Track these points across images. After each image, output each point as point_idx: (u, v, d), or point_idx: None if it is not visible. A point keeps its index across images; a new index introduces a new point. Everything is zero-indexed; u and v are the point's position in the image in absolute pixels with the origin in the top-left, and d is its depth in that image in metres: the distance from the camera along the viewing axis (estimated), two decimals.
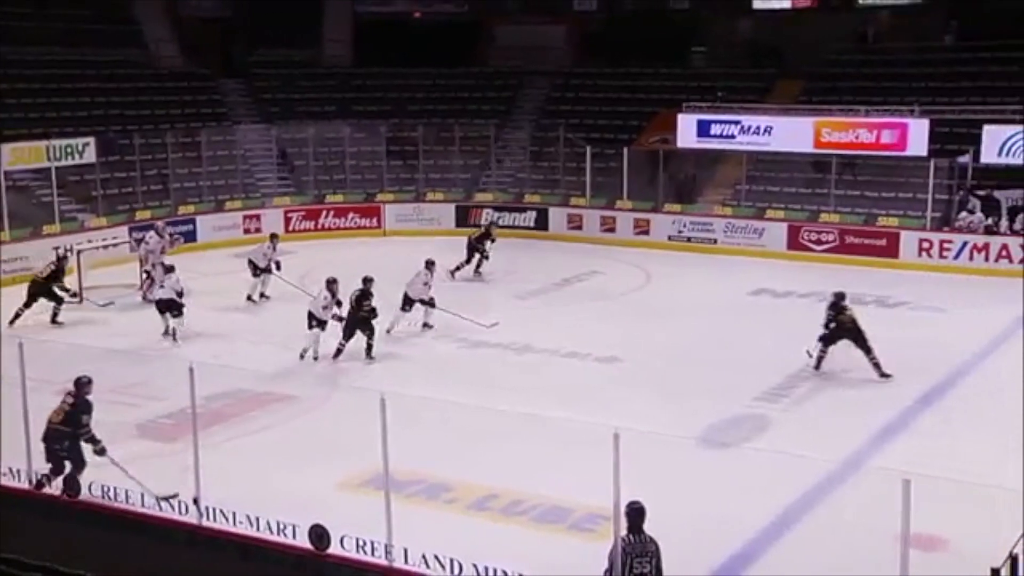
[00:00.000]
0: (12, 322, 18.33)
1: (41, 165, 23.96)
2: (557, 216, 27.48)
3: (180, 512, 9.71)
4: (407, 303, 17.99)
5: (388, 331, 17.54)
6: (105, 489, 10.08)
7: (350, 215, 27.97)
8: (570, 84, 32.00)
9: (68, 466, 10.56)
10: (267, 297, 20.53)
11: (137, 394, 14.46)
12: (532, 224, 27.70)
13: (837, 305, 15.67)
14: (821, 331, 15.50)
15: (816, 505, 10.94)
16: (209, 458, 9.92)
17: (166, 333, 17.74)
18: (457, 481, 11.60)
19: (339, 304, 16.79)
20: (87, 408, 10.77)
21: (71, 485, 10.02)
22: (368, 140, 29.65)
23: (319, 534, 9.04)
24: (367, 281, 16.91)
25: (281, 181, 29.07)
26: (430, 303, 18.10)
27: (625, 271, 23.21)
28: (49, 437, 10.64)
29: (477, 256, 22.46)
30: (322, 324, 16.57)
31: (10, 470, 10.51)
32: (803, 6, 31.82)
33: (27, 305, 18.68)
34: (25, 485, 10.34)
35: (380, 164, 29.28)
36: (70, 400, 10.92)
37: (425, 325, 18.12)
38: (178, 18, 32.91)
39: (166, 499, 10.51)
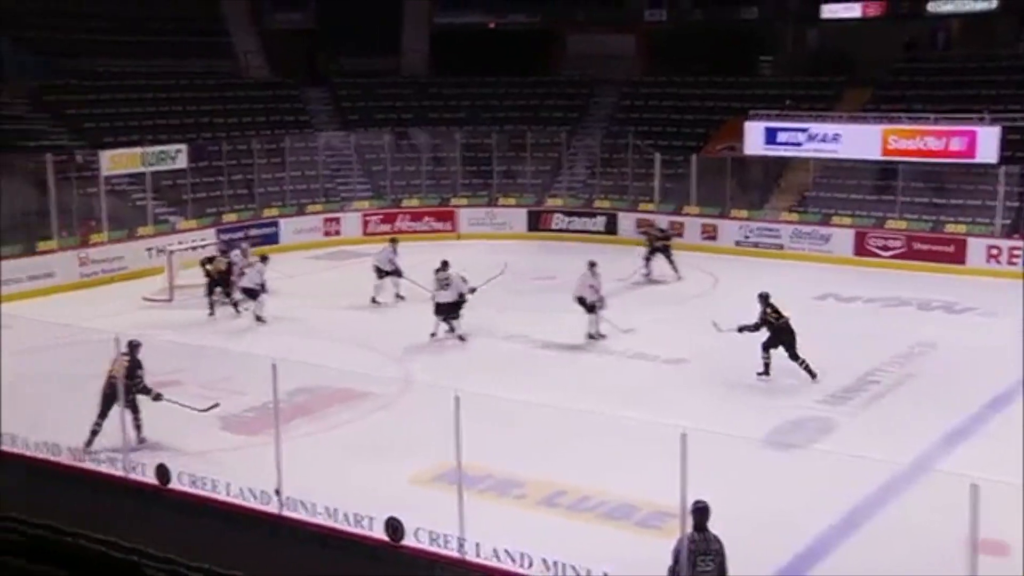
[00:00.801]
0: (212, 312, 19.59)
1: (137, 170, 24.58)
2: (626, 221, 27.33)
3: (263, 502, 9.83)
4: (582, 303, 17.51)
5: (591, 336, 17.29)
6: (192, 478, 10.27)
7: (425, 219, 28.18)
8: (639, 92, 31.83)
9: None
10: (402, 298, 20.58)
11: (222, 388, 14.68)
12: (602, 229, 27.61)
13: (771, 305, 15.36)
14: (755, 334, 15.25)
15: (882, 508, 10.72)
16: (290, 451, 10.04)
17: (237, 309, 19.26)
18: (527, 477, 11.59)
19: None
20: (140, 365, 12.72)
21: (163, 474, 10.25)
22: (443, 146, 29.85)
23: (394, 526, 9.09)
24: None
25: (360, 185, 29.37)
26: (596, 306, 17.36)
27: (693, 275, 22.99)
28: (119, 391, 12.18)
29: (663, 258, 22.43)
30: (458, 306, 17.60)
31: (108, 458, 10.77)
32: (872, 15, 31.23)
33: (213, 296, 19.71)
34: (121, 472, 10.57)
35: (455, 170, 29.45)
36: (126, 360, 12.50)
37: (591, 336, 17.36)
38: (265, 31, 33.54)
39: (208, 410, 13.05)
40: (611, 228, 27.53)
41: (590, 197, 28.81)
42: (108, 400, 12.23)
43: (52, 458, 11.05)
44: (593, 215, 27.97)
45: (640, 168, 28.31)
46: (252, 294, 19.12)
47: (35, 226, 22.56)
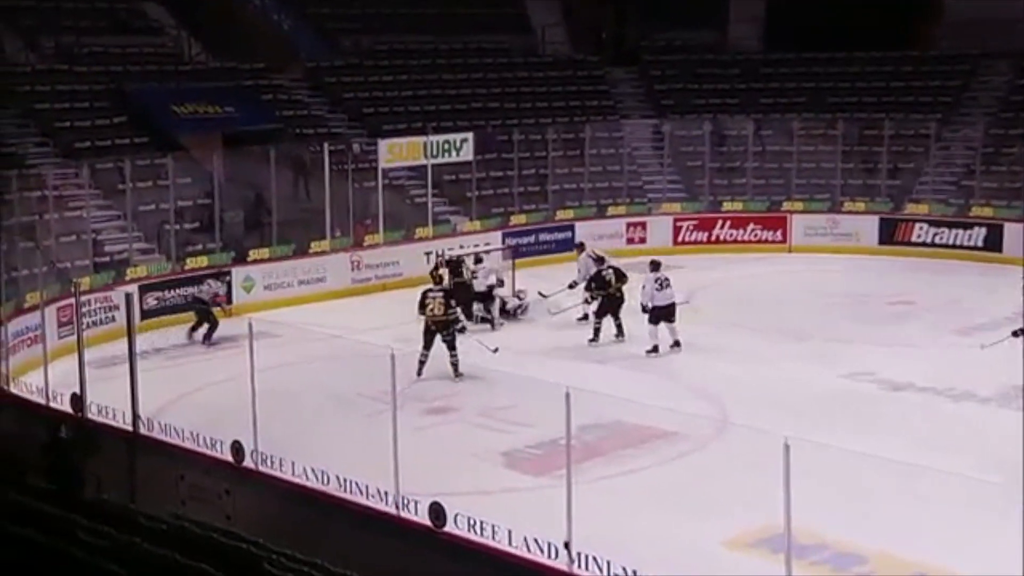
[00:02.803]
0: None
1: (417, 162, 25.81)
2: (1014, 234, 25.82)
3: (550, 556, 10.12)
4: None
5: None
6: (470, 521, 10.76)
7: (750, 226, 28.06)
8: None
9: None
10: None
11: (505, 419, 15.38)
12: (980, 244, 26.44)
13: None
14: None
15: None
16: (581, 498, 10.24)
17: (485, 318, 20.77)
18: (874, 552, 11.30)
19: None
20: (453, 295, 17.80)
21: (437, 514, 10.78)
22: (775, 138, 29.57)
23: None
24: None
25: (672, 185, 29.65)
26: None
27: None
28: (440, 329, 17.31)
29: None
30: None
31: (378, 491, 11.45)
32: None
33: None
34: (392, 509, 11.22)
35: (790, 167, 29.06)
36: (441, 296, 17.40)
37: None
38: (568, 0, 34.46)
39: (495, 350, 17.38)
40: (993, 243, 26.21)
41: (966, 203, 27.53)
42: (430, 336, 17.22)
43: (319, 487, 11.88)
44: (969, 226, 26.70)
45: None
46: (483, 297, 20.63)
47: (309, 224, 24.34)
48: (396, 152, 25.38)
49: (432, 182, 25.97)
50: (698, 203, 28.79)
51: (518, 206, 27.74)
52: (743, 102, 30.90)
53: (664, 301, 18.87)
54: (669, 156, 30.02)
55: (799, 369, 17.67)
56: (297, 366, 17.11)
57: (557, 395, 9.96)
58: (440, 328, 17.29)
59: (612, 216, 28.14)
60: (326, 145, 24.70)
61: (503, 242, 24.84)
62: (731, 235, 27.94)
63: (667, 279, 19.08)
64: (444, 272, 20.16)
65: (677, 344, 18.92)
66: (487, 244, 24.21)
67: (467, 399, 16.19)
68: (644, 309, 18.96)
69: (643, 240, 27.64)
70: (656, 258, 19.65)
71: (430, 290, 17.68)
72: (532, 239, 26.43)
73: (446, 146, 25.94)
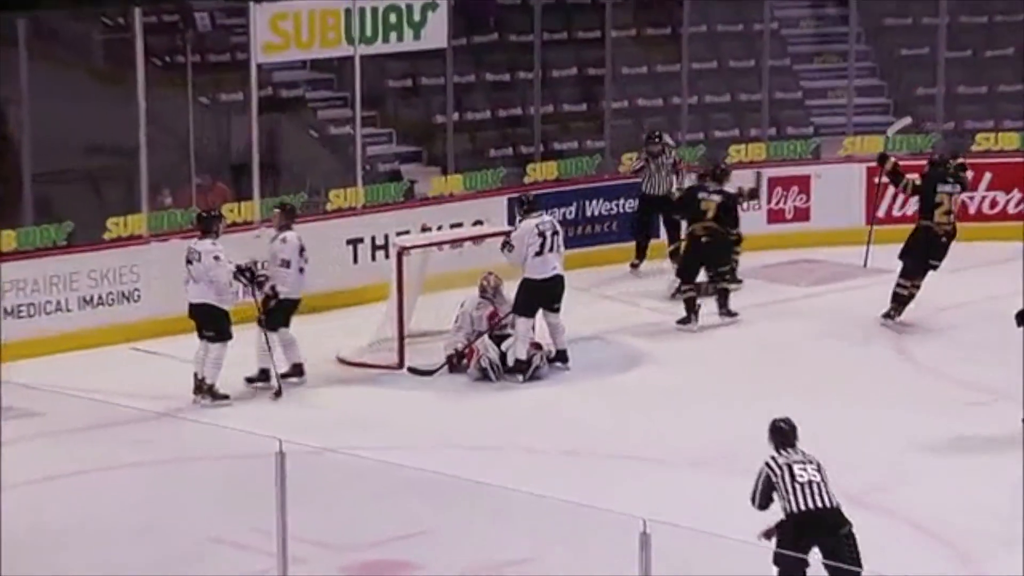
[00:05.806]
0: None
1: (331, 53, 25.69)
2: None
3: None
4: None
5: None
6: None
7: None
8: None
9: None
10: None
11: None
12: None
13: None
14: None
15: None
16: None
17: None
18: None
19: None
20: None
21: None
22: None
23: None
24: None
25: (864, 99, 29.90)
26: None
27: None
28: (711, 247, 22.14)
29: None
30: None
31: None
32: None
33: None
34: None
35: None
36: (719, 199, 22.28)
37: None
38: None
39: None
40: None
41: None
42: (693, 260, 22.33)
43: None
44: None
45: None
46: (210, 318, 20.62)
47: (104, 180, 24.88)
48: (285, 32, 24.98)
49: (363, 96, 25.67)
50: (922, 137, 28.45)
51: (541, 147, 27.43)
52: None
53: (546, 271, 20.65)
54: (862, 40, 30.38)
55: None
56: (79, 477, 17.17)
57: (620, 532, 10.25)
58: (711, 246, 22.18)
59: (738, 165, 27.53)
60: (138, 14, 24.24)
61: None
62: (993, 203, 27.72)
63: (556, 230, 21.01)
64: None
65: (563, 357, 21.03)
66: (479, 224, 24.71)
67: (442, 540, 15.92)
68: None
69: (804, 215, 28.01)
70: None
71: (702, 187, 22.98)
72: (573, 210, 26.24)
73: (392, 20, 25.56)
